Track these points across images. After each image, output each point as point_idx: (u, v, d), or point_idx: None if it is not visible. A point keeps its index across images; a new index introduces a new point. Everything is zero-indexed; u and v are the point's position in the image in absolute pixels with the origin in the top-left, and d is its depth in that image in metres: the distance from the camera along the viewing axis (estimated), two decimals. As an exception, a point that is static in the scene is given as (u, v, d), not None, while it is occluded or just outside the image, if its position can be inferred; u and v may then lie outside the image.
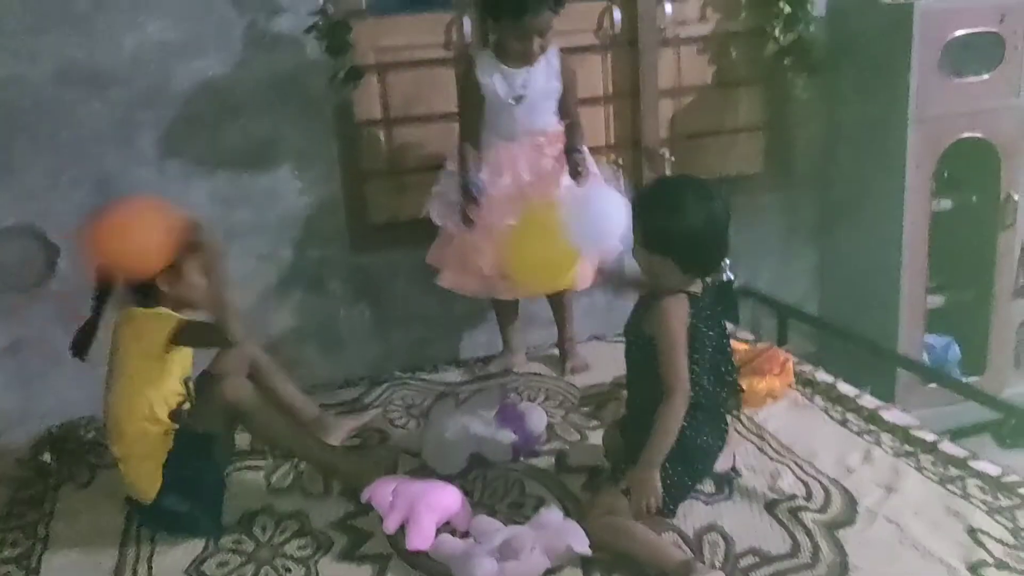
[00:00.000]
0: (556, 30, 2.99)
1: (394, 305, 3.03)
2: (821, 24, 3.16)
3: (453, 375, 2.87)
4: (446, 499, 2.04)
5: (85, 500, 2.30)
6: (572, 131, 2.63)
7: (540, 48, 2.52)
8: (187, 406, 2.14)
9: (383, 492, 2.06)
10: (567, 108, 2.65)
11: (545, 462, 2.32)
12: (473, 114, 2.61)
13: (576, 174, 2.52)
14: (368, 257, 2.98)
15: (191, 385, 2.17)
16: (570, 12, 3.00)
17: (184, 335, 2.05)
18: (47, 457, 2.49)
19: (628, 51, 3.11)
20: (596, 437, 2.42)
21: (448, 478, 2.21)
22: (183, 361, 2.14)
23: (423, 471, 2.28)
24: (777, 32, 3.10)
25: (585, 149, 2.64)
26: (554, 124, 2.62)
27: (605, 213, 2.09)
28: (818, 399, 2.54)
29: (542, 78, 2.58)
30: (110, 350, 2.10)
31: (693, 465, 1.99)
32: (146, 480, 2.09)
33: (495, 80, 2.56)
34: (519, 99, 2.56)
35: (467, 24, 2.93)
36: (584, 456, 2.31)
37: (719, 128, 3.29)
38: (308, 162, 2.84)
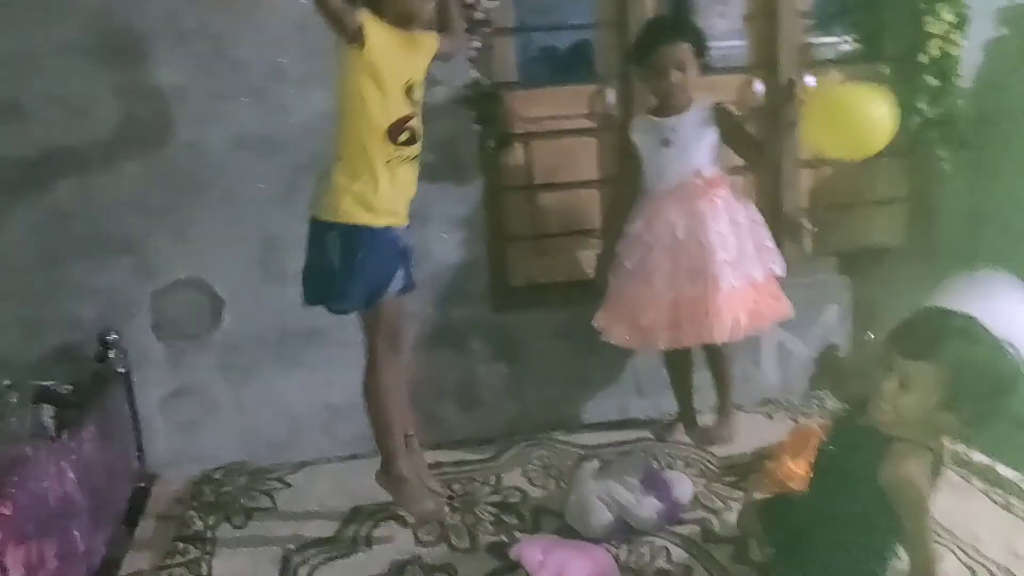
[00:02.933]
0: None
1: (531, 365, 3.08)
2: (969, 97, 3.11)
3: (590, 437, 2.89)
4: (597, 562, 2.05)
5: (242, 541, 2.41)
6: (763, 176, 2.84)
7: (681, 87, 2.63)
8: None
9: (533, 550, 2.08)
10: (741, 153, 2.77)
11: (690, 530, 2.30)
12: (627, 172, 2.79)
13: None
14: (508, 317, 3.05)
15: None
16: (713, 83, 3.09)
17: None
18: (206, 498, 2.62)
19: (770, 121, 3.13)
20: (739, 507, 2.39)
21: (592, 541, 2.22)
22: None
23: (566, 532, 2.30)
24: (923, 106, 3.08)
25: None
26: (710, 168, 2.68)
27: None
28: (976, 480, 2.44)
29: (693, 123, 2.68)
30: None
31: None
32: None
33: (646, 131, 2.72)
34: (667, 143, 2.67)
35: (610, 95, 3.02)
36: (730, 527, 2.29)
37: (860, 199, 3.25)
38: (456, 224, 2.95)
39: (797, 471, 2.47)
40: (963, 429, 1.71)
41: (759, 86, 3.11)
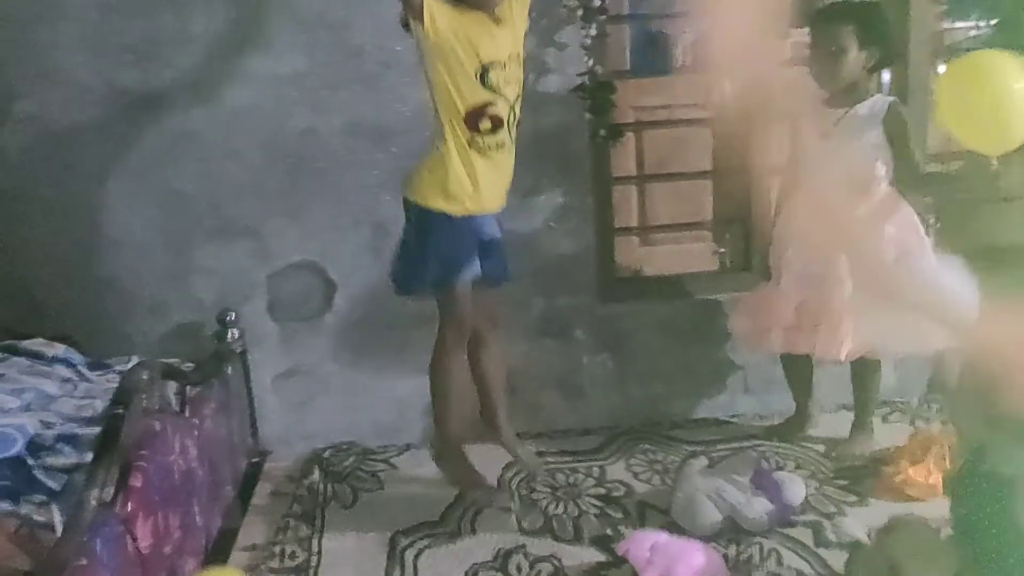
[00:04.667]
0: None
1: (635, 358, 3.05)
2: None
3: (695, 433, 2.85)
4: (706, 561, 2.02)
5: (351, 520, 2.47)
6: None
7: (848, 80, 2.46)
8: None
9: (641, 546, 2.06)
10: (899, 167, 2.50)
11: (801, 533, 2.24)
12: (790, 162, 2.65)
13: None
14: (614, 308, 3.02)
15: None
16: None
17: None
18: (316, 476, 2.69)
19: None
20: (854, 513, 2.32)
21: (700, 540, 2.18)
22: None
23: (671, 528, 2.27)
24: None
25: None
26: (875, 174, 2.48)
27: None
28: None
29: (860, 122, 2.48)
30: None
31: None
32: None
33: (809, 120, 2.58)
34: (824, 135, 2.51)
35: (727, 84, 2.94)
36: (844, 531, 2.21)
37: (991, 195, 3.08)
38: (564, 214, 2.93)
39: (916, 479, 2.38)
40: None
41: (886, 75, 2.98)
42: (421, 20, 2.08)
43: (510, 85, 2.22)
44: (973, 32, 3.08)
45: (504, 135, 2.24)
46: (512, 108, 2.24)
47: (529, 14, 2.33)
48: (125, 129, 2.76)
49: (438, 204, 2.24)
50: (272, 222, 2.85)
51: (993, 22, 3.06)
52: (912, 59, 2.93)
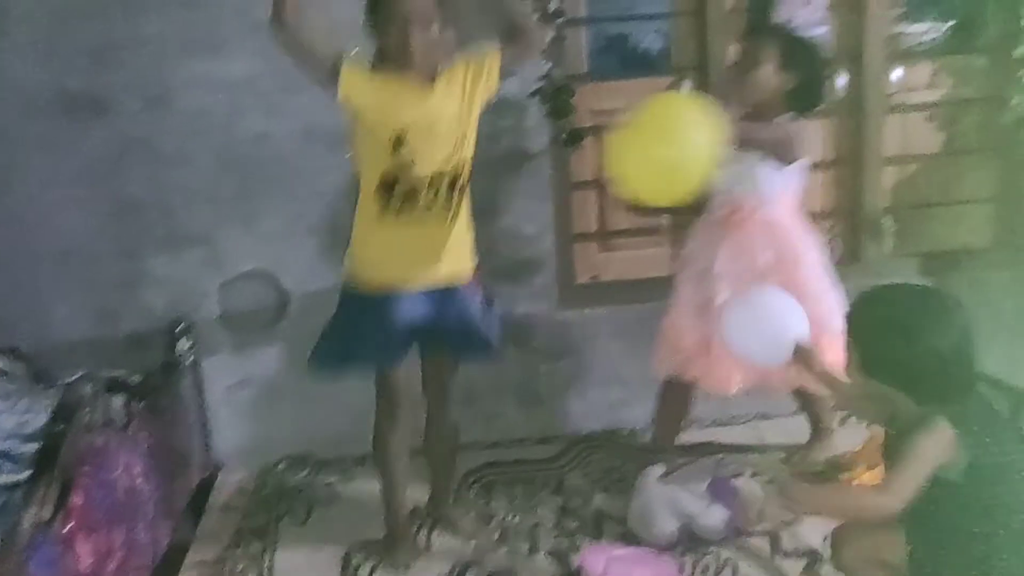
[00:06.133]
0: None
1: (594, 365, 3.03)
2: (1067, 92, 2.94)
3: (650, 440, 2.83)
4: (661, 573, 2.00)
5: (304, 535, 2.43)
6: None
7: (758, 96, 2.30)
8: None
9: (596, 558, 2.04)
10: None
11: (758, 541, 2.23)
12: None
13: None
14: (573, 314, 3.00)
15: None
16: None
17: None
18: (269, 489, 2.64)
19: (852, 117, 3.01)
20: (811, 520, 2.31)
21: (656, 549, 2.17)
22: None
23: (628, 538, 2.25)
24: (1016, 100, 2.92)
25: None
26: (776, 192, 2.34)
27: (775, 319, 1.93)
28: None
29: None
30: None
31: None
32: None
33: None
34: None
35: (686, 86, 2.92)
36: (801, 540, 2.21)
37: (946, 199, 3.11)
38: (523, 220, 2.90)
39: (872, 484, 2.37)
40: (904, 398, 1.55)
41: (842, 79, 2.98)
42: (335, 87, 1.95)
43: (438, 152, 2.00)
44: (929, 36, 3.11)
45: (424, 208, 2.02)
46: (440, 176, 2.02)
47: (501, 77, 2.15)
48: (74, 135, 2.70)
49: (351, 277, 2.09)
50: (225, 229, 2.80)
51: (948, 25, 3.09)
52: (868, 62, 2.94)
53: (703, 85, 2.91)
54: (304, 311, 2.84)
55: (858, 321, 1.61)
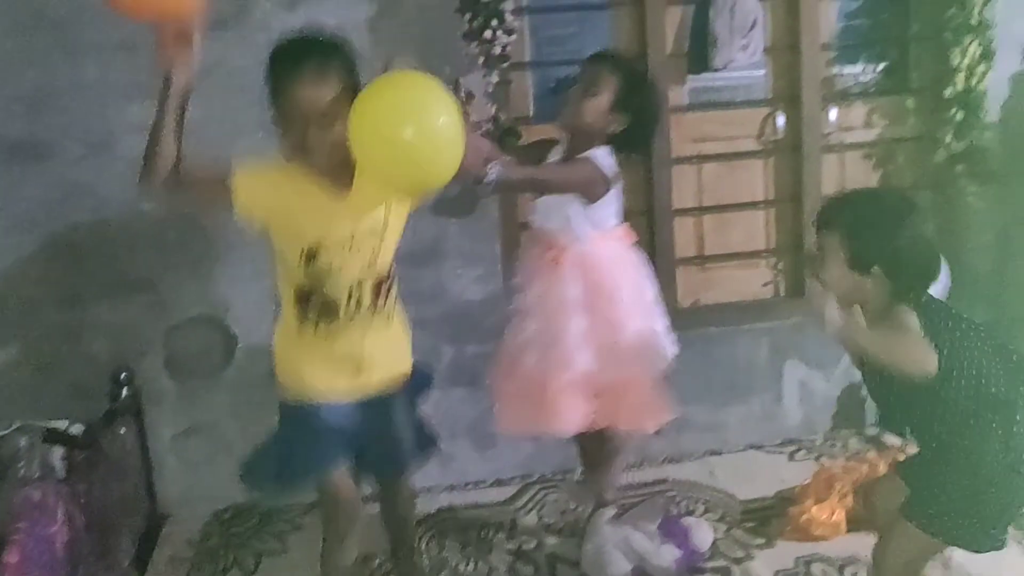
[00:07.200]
0: (717, 136, 3.03)
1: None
2: (995, 130, 3.05)
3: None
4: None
5: (252, 587, 2.37)
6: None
7: (585, 122, 2.21)
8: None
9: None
10: None
11: (710, 580, 2.24)
12: None
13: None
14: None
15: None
16: (733, 118, 3.06)
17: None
18: (217, 539, 2.58)
19: (791, 156, 3.09)
20: (762, 556, 2.34)
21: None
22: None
23: (582, 581, 2.24)
24: (948, 139, 3.02)
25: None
26: (582, 220, 2.23)
27: None
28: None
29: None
30: None
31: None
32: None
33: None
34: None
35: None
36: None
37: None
38: (471, 261, 2.91)
39: (821, 517, 2.41)
40: (884, 284, 1.71)
41: (780, 119, 3.07)
42: (229, 204, 1.77)
43: (356, 264, 1.84)
44: (863, 77, 3.21)
45: (346, 319, 1.86)
46: (361, 285, 1.86)
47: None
48: (14, 180, 2.65)
49: (281, 386, 1.93)
50: (170, 275, 2.76)
51: (881, 67, 3.20)
52: (805, 103, 3.02)
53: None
54: (252, 357, 2.80)
55: (848, 218, 1.74)
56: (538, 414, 2.23)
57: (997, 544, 1.76)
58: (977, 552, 1.78)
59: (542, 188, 2.27)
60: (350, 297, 1.84)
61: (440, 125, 1.65)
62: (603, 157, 2.21)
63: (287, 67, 1.74)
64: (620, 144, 2.27)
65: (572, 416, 2.20)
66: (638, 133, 2.28)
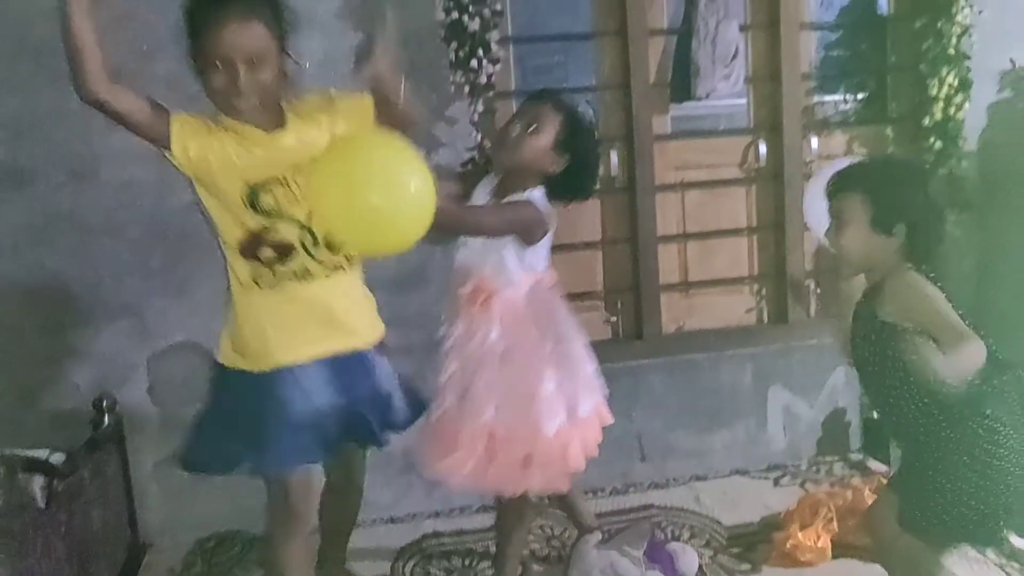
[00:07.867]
0: (700, 164, 3.07)
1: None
2: (973, 159, 3.10)
3: (592, 505, 2.81)
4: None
5: (235, 617, 2.34)
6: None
7: (521, 161, 2.10)
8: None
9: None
10: None
11: (696, 607, 2.23)
12: None
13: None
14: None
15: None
16: (715, 146, 3.10)
17: None
18: (199, 568, 2.55)
19: (773, 184, 3.12)
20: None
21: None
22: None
23: (567, 608, 2.23)
24: (927, 167, 3.06)
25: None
26: (509, 268, 2.10)
27: None
28: (990, 553, 2.37)
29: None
30: None
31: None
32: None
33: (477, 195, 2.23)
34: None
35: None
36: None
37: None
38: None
39: (806, 543, 2.41)
40: (904, 246, 1.81)
41: (762, 147, 3.10)
42: (168, 147, 1.76)
43: (302, 206, 1.80)
44: (843, 106, 3.26)
45: (303, 261, 1.83)
46: (312, 233, 1.83)
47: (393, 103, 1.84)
48: (-5, 207, 2.65)
49: (228, 358, 1.88)
50: (154, 301, 2.75)
51: (859, 97, 3.25)
52: (786, 131, 3.06)
53: (629, 154, 3.01)
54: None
55: (872, 179, 1.81)
56: (441, 457, 2.10)
57: (997, 540, 1.79)
58: (981, 546, 1.80)
59: (478, 231, 2.11)
60: (302, 247, 1.82)
61: (411, 192, 1.61)
62: (540, 199, 2.10)
63: (211, 10, 1.73)
64: (556, 188, 2.14)
65: (462, 467, 2.06)
66: (576, 178, 2.15)
